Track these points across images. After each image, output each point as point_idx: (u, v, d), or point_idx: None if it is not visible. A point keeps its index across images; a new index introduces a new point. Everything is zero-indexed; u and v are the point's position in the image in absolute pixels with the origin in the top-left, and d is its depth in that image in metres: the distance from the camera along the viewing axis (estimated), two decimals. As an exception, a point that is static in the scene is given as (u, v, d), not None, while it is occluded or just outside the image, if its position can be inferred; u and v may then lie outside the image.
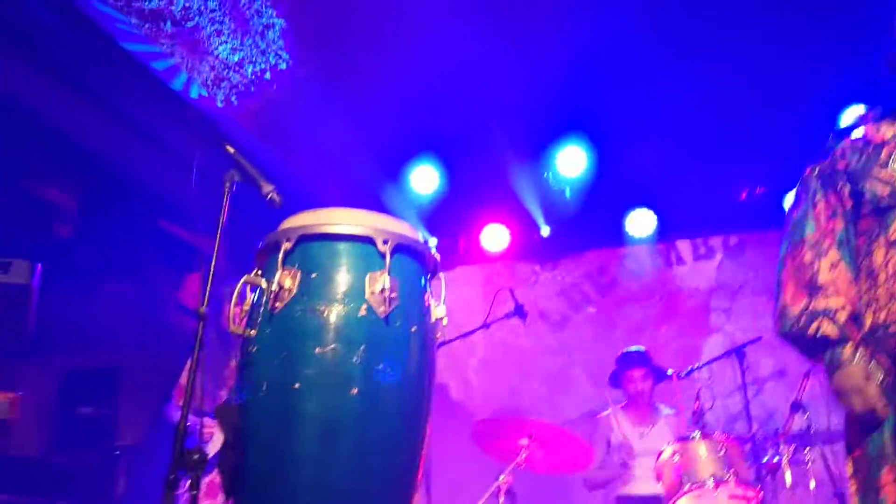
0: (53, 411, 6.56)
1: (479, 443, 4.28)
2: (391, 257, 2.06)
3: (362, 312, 2.01)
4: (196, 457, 2.06)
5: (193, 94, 4.96)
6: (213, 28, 4.80)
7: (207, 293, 2.20)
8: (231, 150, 2.36)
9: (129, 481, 6.14)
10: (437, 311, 2.19)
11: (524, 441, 4.09)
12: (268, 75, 5.22)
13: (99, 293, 6.70)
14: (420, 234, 2.27)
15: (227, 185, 2.32)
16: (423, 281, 2.18)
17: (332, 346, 1.97)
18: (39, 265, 2.67)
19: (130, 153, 5.30)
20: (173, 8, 4.54)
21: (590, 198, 6.47)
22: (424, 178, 6.47)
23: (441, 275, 2.24)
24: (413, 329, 2.08)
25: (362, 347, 1.98)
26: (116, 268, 6.60)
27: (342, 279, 2.04)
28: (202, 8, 4.66)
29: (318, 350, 1.97)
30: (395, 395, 2.00)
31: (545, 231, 6.59)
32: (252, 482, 1.96)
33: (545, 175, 6.46)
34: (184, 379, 4.21)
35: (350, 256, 2.06)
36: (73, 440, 6.55)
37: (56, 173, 5.89)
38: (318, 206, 2.25)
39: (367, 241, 2.07)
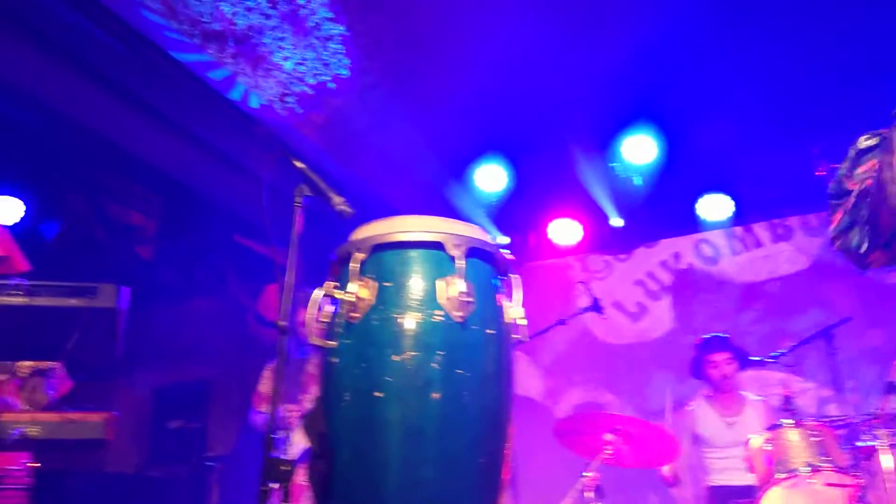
0: (146, 427, 6.79)
1: (562, 441, 4.25)
2: (463, 261, 2.06)
3: (438, 318, 2.02)
4: (285, 467, 2.11)
5: (253, 103, 5.04)
6: (275, 44, 4.88)
7: (286, 307, 2.24)
8: (300, 165, 2.40)
9: (222, 491, 6.31)
10: (513, 311, 2.18)
11: (609, 436, 4.04)
12: (331, 84, 5.28)
13: (181, 310, 6.90)
14: (490, 236, 2.26)
15: (298, 199, 2.36)
16: (496, 283, 2.18)
17: (411, 353, 1.98)
18: (125, 288, 2.75)
19: (203, 173, 5.45)
20: (235, 27, 4.64)
21: (661, 185, 6.35)
22: (490, 177, 6.46)
23: (514, 275, 2.23)
24: (490, 332, 2.08)
25: (440, 353, 1.99)
26: (197, 284, 6.79)
27: (416, 286, 2.05)
28: (263, 25, 4.74)
29: (396, 358, 1.98)
30: (476, 399, 2.00)
31: (616, 222, 6.50)
32: (340, 490, 1.98)
33: (613, 165, 6.37)
34: (262, 386, 4.31)
35: (422, 263, 2.08)
36: (165, 454, 6.78)
37: (134, 197, 6.11)
38: (387, 211, 2.27)
39: (438, 246, 2.08)
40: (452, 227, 2.14)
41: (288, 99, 5.09)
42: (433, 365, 1.98)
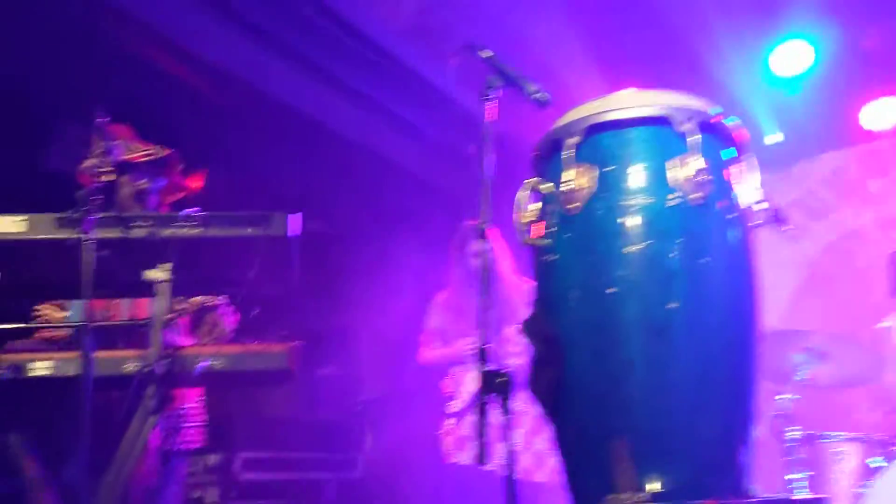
0: (300, 373, 6.85)
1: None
2: (697, 136, 1.80)
3: (673, 201, 1.77)
4: (501, 379, 1.92)
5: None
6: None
7: (487, 208, 2.03)
8: (487, 54, 2.18)
9: (375, 433, 6.34)
10: (752, 194, 1.91)
11: (800, 356, 3.72)
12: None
13: (323, 257, 6.86)
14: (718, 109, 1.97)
15: (489, 91, 2.14)
16: (730, 161, 1.91)
17: (646, 242, 1.75)
18: (296, 216, 2.61)
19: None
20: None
21: (819, 94, 5.82)
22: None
23: (751, 153, 1.95)
24: (732, 215, 1.82)
25: (679, 240, 1.74)
26: (337, 232, 6.73)
27: (645, 167, 1.81)
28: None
29: (629, 249, 1.75)
30: (725, 291, 1.75)
31: (772, 138, 6.00)
32: (577, 397, 1.78)
33: (765, 76, 5.87)
34: (432, 323, 4.16)
35: (649, 142, 1.83)
36: (320, 399, 6.86)
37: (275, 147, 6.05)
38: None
39: (666, 122, 1.82)
40: (678, 100, 1.88)
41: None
42: (673, 254, 1.73)
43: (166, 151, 3.03)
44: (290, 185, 6.41)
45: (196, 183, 5.40)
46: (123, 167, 2.96)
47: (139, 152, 2.98)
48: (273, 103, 5.03)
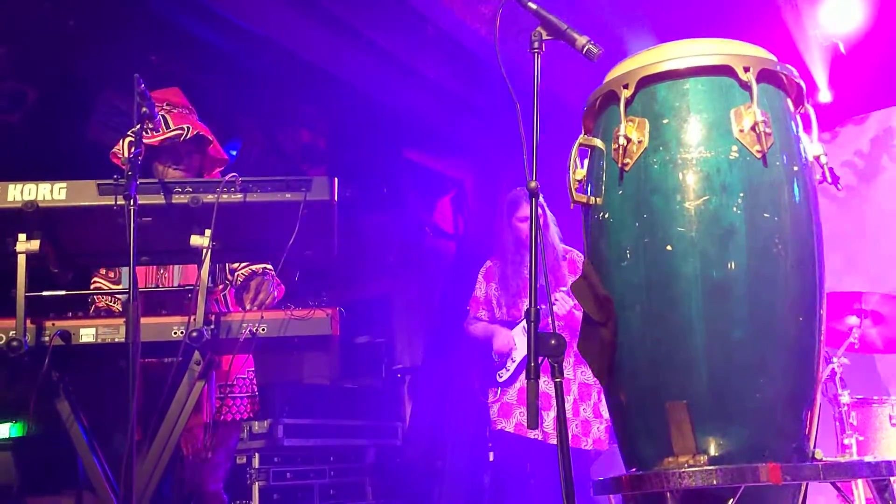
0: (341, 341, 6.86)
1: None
2: (759, 87, 1.71)
3: (734, 154, 1.69)
4: (553, 342, 1.87)
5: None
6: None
7: (535, 168, 1.97)
8: (533, 6, 2.10)
9: (413, 401, 6.35)
10: (813, 148, 1.82)
11: (853, 319, 3.62)
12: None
13: (356, 227, 6.85)
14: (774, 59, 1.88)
15: (536, 45, 2.06)
16: (792, 113, 1.82)
17: (705, 197, 1.67)
18: (334, 179, 2.55)
19: (374, 78, 5.23)
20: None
21: (870, 51, 5.60)
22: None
23: (809, 105, 1.86)
24: (795, 169, 1.73)
25: (741, 194, 1.67)
26: (371, 200, 6.70)
27: (703, 119, 1.72)
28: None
29: (689, 204, 1.68)
30: (788, 247, 1.67)
31: (825, 96, 5.79)
32: (633, 358, 1.72)
33: (815, 31, 5.66)
34: (478, 291, 4.10)
35: (707, 92, 1.74)
36: (356, 367, 6.88)
37: (307, 112, 6.00)
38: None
39: (725, 71, 1.73)
40: (737, 48, 1.79)
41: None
42: (734, 209, 1.66)
43: (193, 131, 2.97)
44: (323, 151, 6.38)
45: (230, 154, 5.39)
46: (154, 149, 2.92)
47: (168, 132, 2.92)
48: (317, 71, 4.97)
